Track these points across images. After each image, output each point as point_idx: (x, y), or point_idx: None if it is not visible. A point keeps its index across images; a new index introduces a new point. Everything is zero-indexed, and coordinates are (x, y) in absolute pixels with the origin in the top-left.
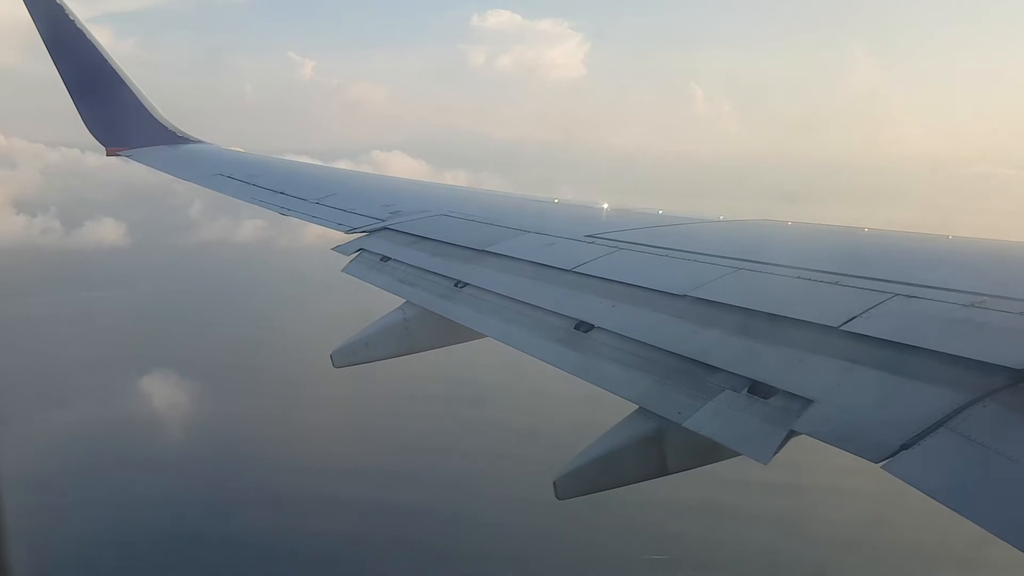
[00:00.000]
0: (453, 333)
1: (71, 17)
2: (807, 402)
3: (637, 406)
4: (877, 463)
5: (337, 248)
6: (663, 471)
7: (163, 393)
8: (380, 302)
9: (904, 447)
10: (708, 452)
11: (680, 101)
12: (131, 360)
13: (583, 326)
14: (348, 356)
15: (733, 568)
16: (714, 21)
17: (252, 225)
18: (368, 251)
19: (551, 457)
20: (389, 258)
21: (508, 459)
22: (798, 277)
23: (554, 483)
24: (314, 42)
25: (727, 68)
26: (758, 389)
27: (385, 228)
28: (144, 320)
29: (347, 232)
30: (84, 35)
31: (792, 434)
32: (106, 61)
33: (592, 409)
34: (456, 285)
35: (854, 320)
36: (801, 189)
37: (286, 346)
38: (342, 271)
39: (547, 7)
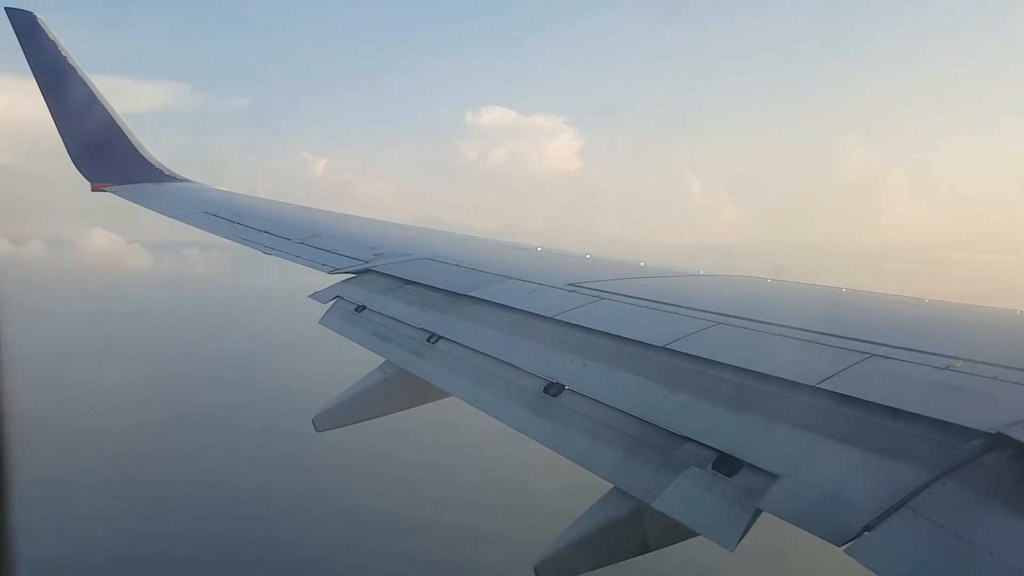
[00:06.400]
0: (433, 391)
1: (63, 53)
2: (773, 477)
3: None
4: (840, 546)
5: (314, 295)
6: (644, 549)
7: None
8: (361, 350)
9: (867, 528)
10: (687, 528)
11: (676, 191)
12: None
13: (554, 388)
14: (330, 420)
15: None
16: (715, 117)
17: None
18: (344, 299)
19: (540, 512)
20: (364, 307)
21: (492, 514)
22: (777, 334)
23: (535, 568)
24: (324, 141)
25: (725, 159)
26: (724, 463)
27: (368, 270)
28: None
29: (329, 272)
30: (75, 72)
31: (759, 512)
32: (96, 98)
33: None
34: (430, 339)
35: (831, 379)
36: (786, 268)
37: (268, 401)
38: (319, 323)
39: (541, 104)
